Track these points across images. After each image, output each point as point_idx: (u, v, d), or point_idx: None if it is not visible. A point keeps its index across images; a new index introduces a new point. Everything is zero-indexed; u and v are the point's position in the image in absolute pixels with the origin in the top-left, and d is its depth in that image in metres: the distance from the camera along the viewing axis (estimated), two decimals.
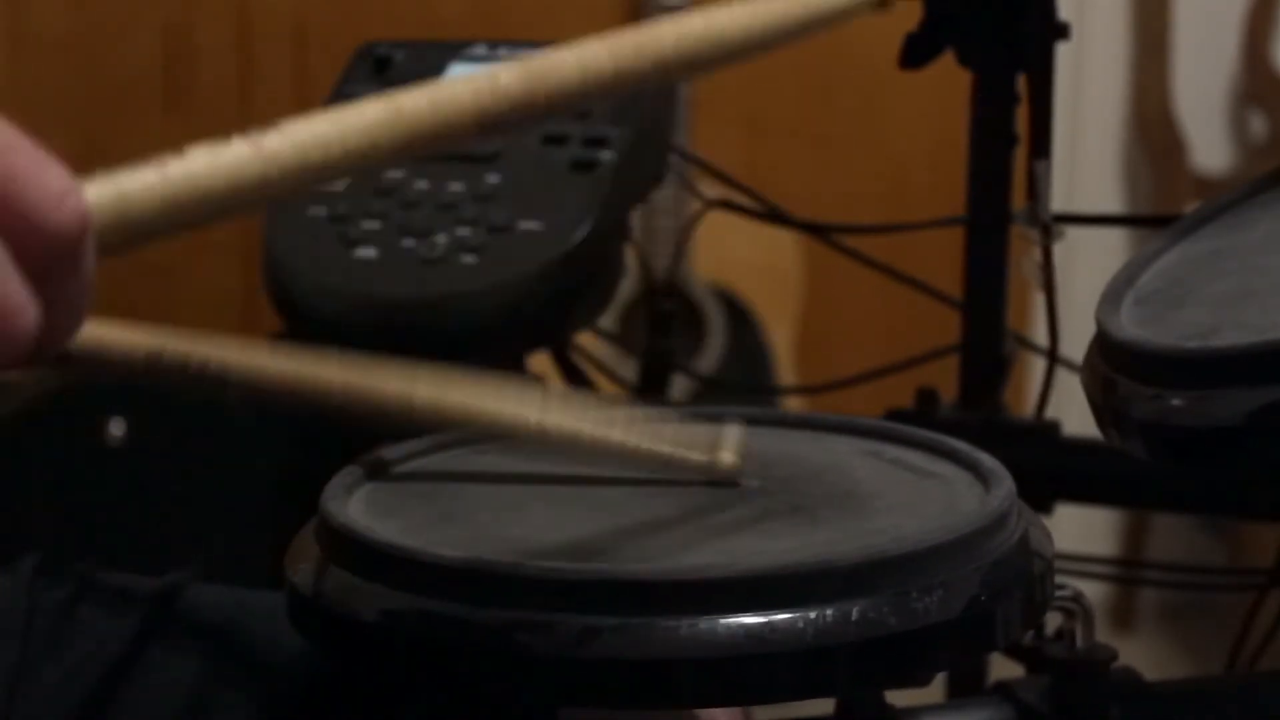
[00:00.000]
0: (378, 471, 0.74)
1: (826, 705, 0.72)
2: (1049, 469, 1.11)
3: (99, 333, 0.68)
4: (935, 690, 0.82)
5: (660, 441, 0.71)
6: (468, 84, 0.58)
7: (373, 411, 0.68)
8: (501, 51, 1.11)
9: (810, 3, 0.68)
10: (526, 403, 0.69)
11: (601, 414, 0.72)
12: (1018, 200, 1.09)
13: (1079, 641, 0.76)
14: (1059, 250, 1.08)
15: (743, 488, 0.72)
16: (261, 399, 0.68)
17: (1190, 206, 0.89)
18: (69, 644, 0.79)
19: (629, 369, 1.29)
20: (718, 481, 0.71)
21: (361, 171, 0.57)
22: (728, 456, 0.71)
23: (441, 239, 0.99)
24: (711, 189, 1.25)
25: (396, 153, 0.57)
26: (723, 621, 0.59)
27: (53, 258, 0.49)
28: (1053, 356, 1.12)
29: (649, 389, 1.22)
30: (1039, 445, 1.12)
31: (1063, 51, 1.06)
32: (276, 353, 0.69)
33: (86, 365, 0.68)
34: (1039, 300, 1.11)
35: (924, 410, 1.14)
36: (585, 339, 1.20)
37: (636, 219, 1.08)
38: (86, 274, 0.50)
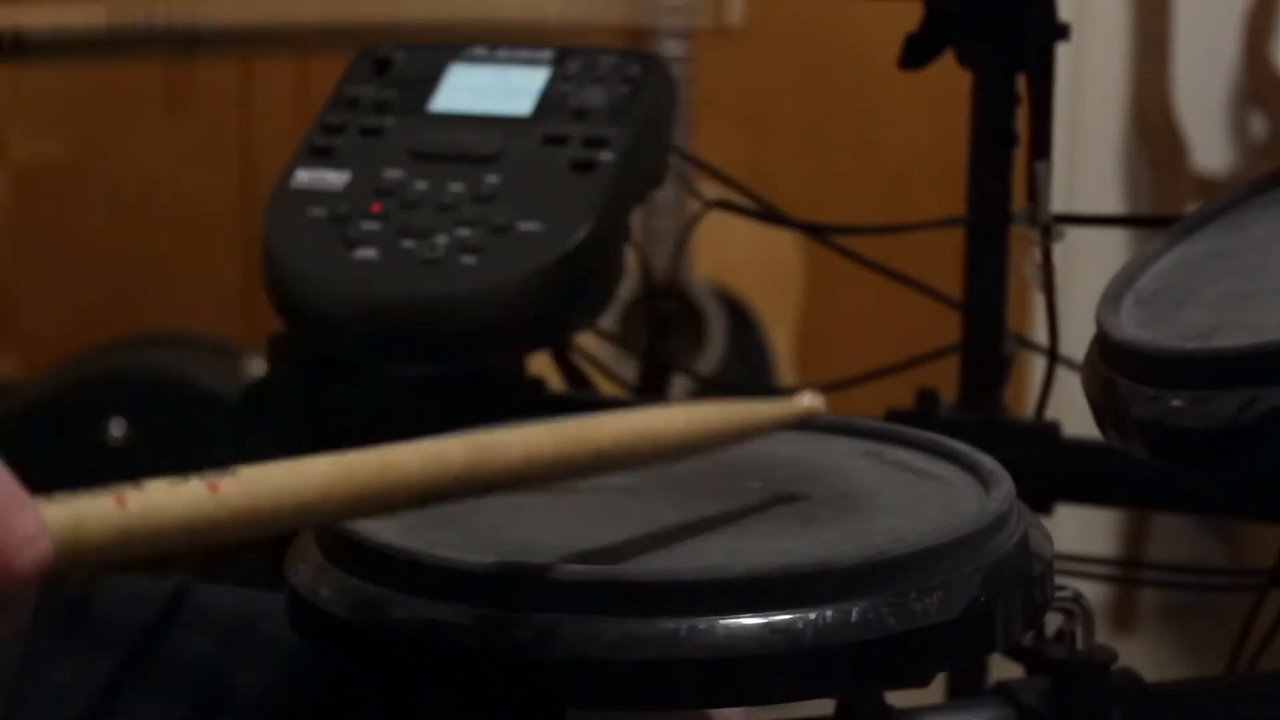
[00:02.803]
0: None
1: (827, 705, 0.73)
2: (1049, 469, 1.11)
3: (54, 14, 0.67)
4: (935, 691, 0.82)
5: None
6: (418, 451, 0.59)
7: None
8: (502, 52, 1.11)
9: (741, 416, 0.71)
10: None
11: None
12: (1018, 200, 1.09)
13: (1079, 642, 0.76)
14: (1059, 250, 1.08)
15: (743, 489, 0.72)
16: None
17: (1190, 207, 0.89)
18: (73, 645, 0.79)
19: (629, 369, 1.29)
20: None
21: (312, 522, 0.59)
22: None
23: (441, 240, 0.99)
24: (711, 189, 1.25)
25: (343, 512, 0.58)
26: (723, 622, 0.60)
27: (2, 593, 0.50)
28: (1053, 356, 1.12)
29: (649, 389, 1.22)
30: (1039, 445, 1.12)
31: (1063, 51, 1.06)
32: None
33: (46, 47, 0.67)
34: (1039, 300, 1.11)
35: (924, 411, 1.14)
36: (585, 339, 1.20)
37: (636, 219, 1.08)
38: (29, 606, 0.51)
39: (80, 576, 0.53)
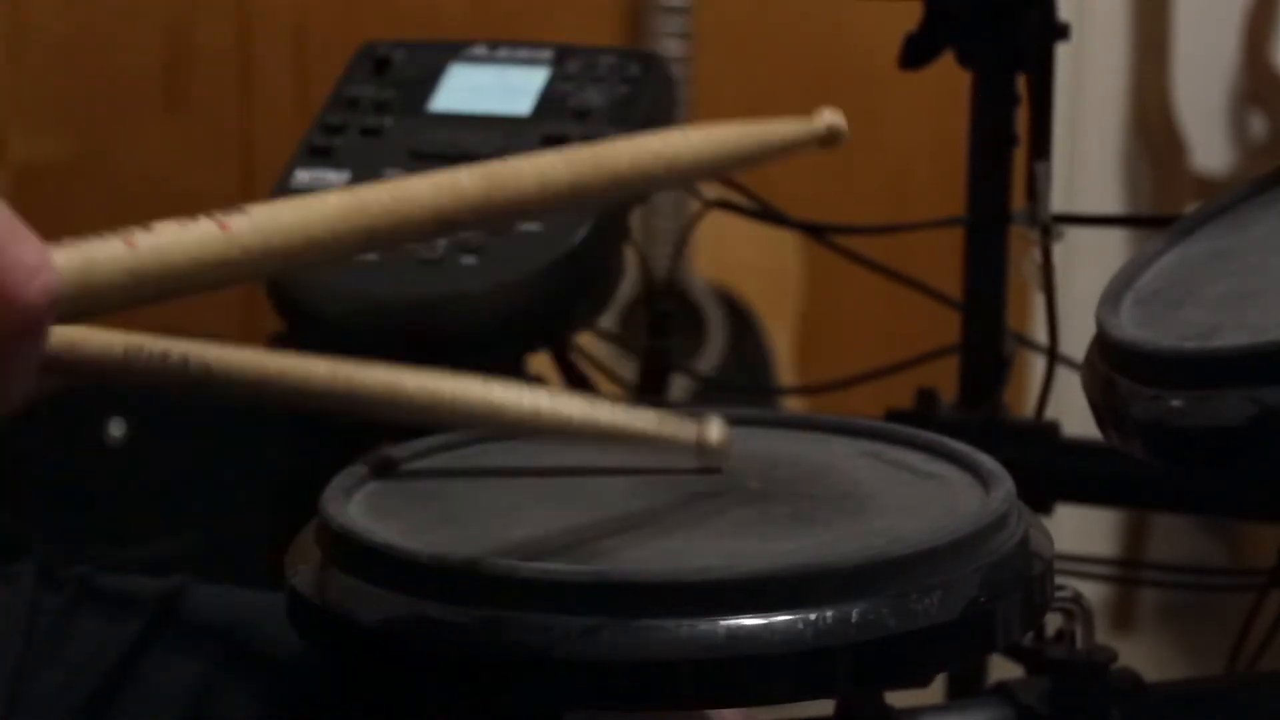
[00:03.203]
0: (377, 473, 0.74)
1: (826, 706, 0.72)
2: (1049, 469, 1.11)
3: (73, 334, 0.68)
4: (935, 691, 0.82)
5: (647, 421, 0.72)
6: (430, 182, 0.59)
7: (362, 405, 0.68)
8: (502, 52, 1.11)
9: (759, 135, 0.70)
10: (516, 390, 0.69)
11: (589, 401, 0.72)
12: (1018, 200, 1.09)
13: (1079, 643, 0.76)
14: (1059, 250, 1.08)
15: (742, 489, 0.72)
16: (244, 395, 0.68)
17: (1190, 206, 0.89)
18: (71, 646, 0.79)
19: (629, 369, 1.29)
20: (705, 463, 0.72)
21: (324, 259, 0.59)
22: (715, 432, 0.72)
23: (441, 240, 0.99)
24: (711, 189, 1.25)
25: (357, 244, 0.58)
26: (723, 622, 0.60)
27: (14, 329, 0.49)
28: (1053, 356, 1.12)
29: (649, 389, 1.22)
30: (1039, 445, 1.12)
31: (1063, 51, 1.06)
32: (260, 351, 0.69)
33: (63, 367, 0.68)
34: (1039, 300, 1.11)
35: (924, 411, 1.14)
36: (585, 339, 1.20)
37: (636, 219, 1.08)
38: (42, 344, 0.51)
39: (93, 315, 0.53)
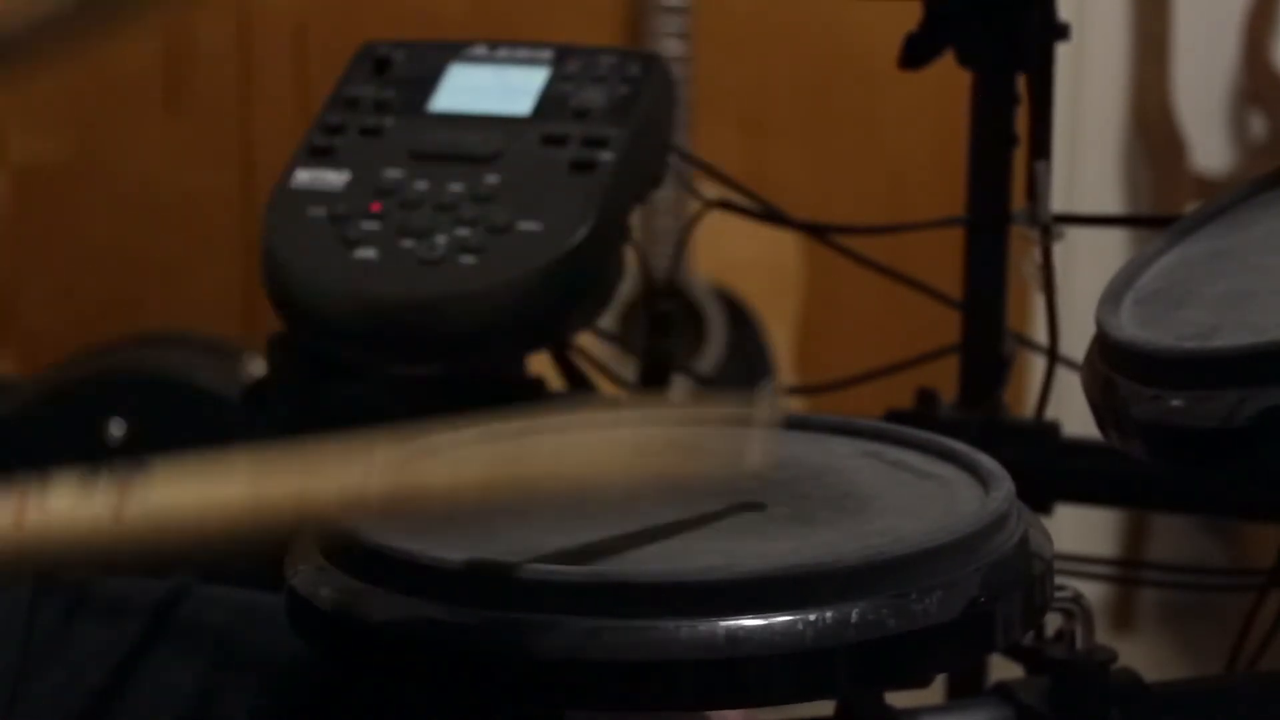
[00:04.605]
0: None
1: (827, 706, 0.72)
2: (1049, 469, 1.11)
3: None
4: (935, 691, 0.82)
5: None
6: (336, 488, 0.57)
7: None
8: (502, 52, 1.11)
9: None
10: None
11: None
12: (1018, 200, 1.09)
13: (1079, 642, 0.76)
14: (1059, 250, 1.08)
15: (742, 489, 0.72)
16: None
17: (1190, 206, 0.89)
18: (71, 649, 0.79)
19: (629, 369, 1.29)
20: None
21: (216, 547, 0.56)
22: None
23: (441, 239, 0.99)
24: (711, 189, 1.25)
25: (257, 537, 0.56)
26: (723, 623, 0.60)
27: None
28: (1053, 356, 1.12)
29: (649, 389, 1.22)
30: (1039, 445, 1.12)
31: (1063, 51, 1.06)
32: None
33: None
34: (1039, 300, 1.11)
35: (924, 411, 1.14)
36: (585, 339, 1.20)
37: (636, 219, 1.08)
38: None
39: None
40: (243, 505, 0.56)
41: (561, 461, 0.63)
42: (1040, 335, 1.18)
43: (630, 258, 1.10)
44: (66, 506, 0.51)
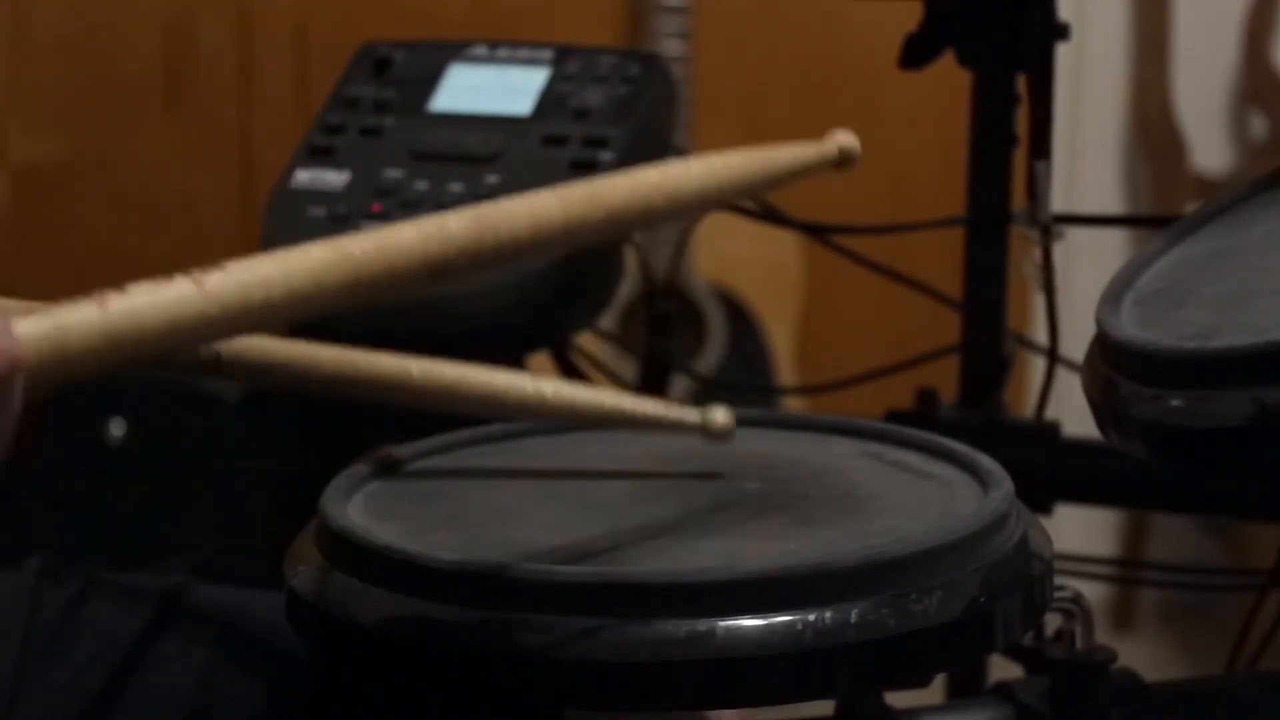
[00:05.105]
0: (377, 474, 0.74)
1: (827, 706, 0.72)
2: (1049, 469, 1.11)
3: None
4: (935, 691, 0.82)
5: (653, 406, 0.70)
6: (416, 229, 0.57)
7: (367, 390, 0.67)
8: (502, 52, 1.11)
9: (765, 161, 0.67)
10: (520, 377, 0.68)
11: (594, 388, 0.71)
12: (1018, 200, 1.09)
13: (1078, 643, 0.76)
14: (1059, 250, 1.08)
15: (742, 489, 0.72)
16: (251, 379, 0.67)
17: (1190, 206, 0.89)
18: (72, 645, 0.79)
19: (629, 369, 1.29)
20: (710, 444, 0.70)
21: (307, 315, 0.56)
22: (721, 416, 0.69)
23: None
24: None
25: (343, 297, 0.56)
26: (722, 623, 0.60)
27: None
28: (1053, 356, 1.12)
29: (649, 389, 1.22)
30: (1039, 445, 1.12)
31: (1063, 51, 1.06)
32: (268, 338, 0.68)
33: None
34: (1039, 300, 1.11)
35: (924, 411, 1.14)
36: (585, 339, 1.20)
37: None
38: (12, 411, 0.50)
39: (71, 380, 0.51)
40: (326, 259, 0.55)
41: (641, 182, 0.62)
42: (1040, 335, 1.18)
43: (630, 258, 1.10)
44: (147, 289, 0.51)
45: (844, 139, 0.70)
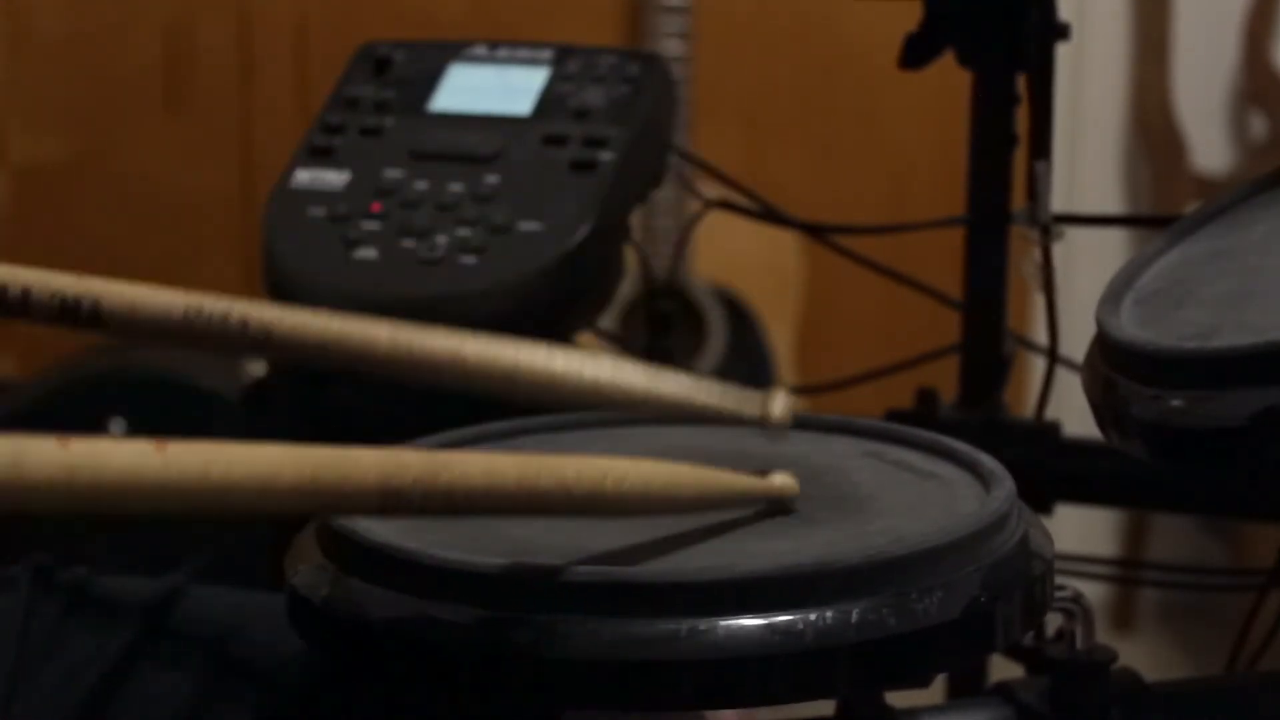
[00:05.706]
0: None
1: (827, 706, 0.72)
2: (1049, 469, 1.11)
3: (133, 294, 0.67)
4: (935, 691, 0.82)
5: (710, 394, 0.69)
6: (375, 455, 0.57)
7: (422, 370, 0.67)
8: (502, 52, 1.11)
9: (707, 485, 0.67)
10: (578, 360, 0.67)
11: (652, 373, 0.69)
12: (1018, 200, 1.09)
13: (1079, 642, 0.76)
14: (1059, 250, 1.08)
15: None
16: (304, 358, 0.67)
17: (1190, 206, 0.89)
18: (67, 647, 0.79)
19: None
20: (769, 438, 0.69)
21: (259, 508, 0.55)
22: (779, 406, 0.69)
23: (441, 239, 0.99)
24: (711, 189, 1.25)
25: (298, 496, 0.55)
26: (723, 623, 0.60)
27: None
28: (1053, 356, 1.12)
29: None
30: (1039, 445, 1.12)
31: (1063, 51, 1.06)
32: (321, 314, 0.68)
33: (122, 329, 0.67)
34: (1039, 300, 1.11)
35: (924, 410, 1.14)
36: (585, 339, 1.20)
37: (636, 219, 1.08)
38: None
39: (21, 515, 0.51)
40: (285, 458, 0.55)
41: (588, 468, 0.62)
42: (1040, 335, 1.18)
43: (630, 258, 1.10)
44: (110, 441, 0.51)
45: (780, 481, 0.70)
